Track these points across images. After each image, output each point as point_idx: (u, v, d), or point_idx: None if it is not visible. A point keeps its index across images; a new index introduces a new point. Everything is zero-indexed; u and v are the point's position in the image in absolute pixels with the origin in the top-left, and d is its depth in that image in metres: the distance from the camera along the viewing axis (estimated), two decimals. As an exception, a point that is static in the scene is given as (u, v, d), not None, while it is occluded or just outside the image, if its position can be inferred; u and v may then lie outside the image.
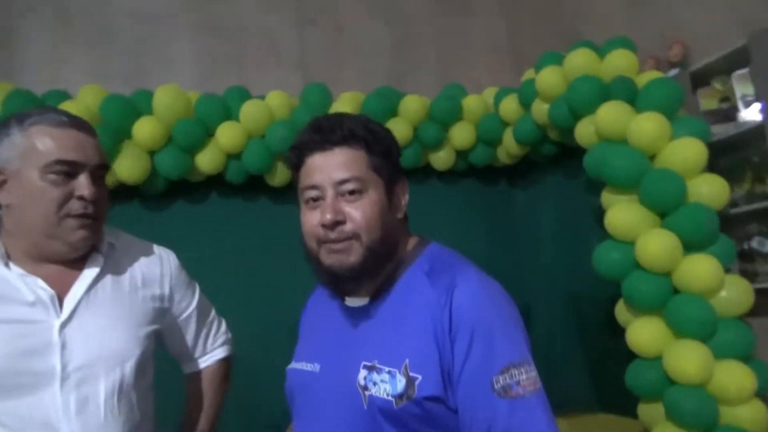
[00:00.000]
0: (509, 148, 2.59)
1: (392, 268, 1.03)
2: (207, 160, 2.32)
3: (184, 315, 1.35)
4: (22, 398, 1.06)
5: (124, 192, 2.33)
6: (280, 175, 2.42)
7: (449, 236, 2.74)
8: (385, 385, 0.93)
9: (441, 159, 2.66)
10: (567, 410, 2.66)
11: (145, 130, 2.20)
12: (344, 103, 2.43)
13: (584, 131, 2.15)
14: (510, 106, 2.50)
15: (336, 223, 0.97)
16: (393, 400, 0.92)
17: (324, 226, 0.97)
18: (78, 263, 1.18)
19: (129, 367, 1.16)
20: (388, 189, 1.01)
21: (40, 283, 1.12)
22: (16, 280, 1.11)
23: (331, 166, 0.98)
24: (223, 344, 1.45)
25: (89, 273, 1.17)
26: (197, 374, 1.41)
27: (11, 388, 1.06)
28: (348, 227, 0.97)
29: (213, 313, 1.45)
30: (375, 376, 0.95)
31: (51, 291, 1.12)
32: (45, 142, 1.10)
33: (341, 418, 0.97)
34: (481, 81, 3.14)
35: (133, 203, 2.40)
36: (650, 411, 1.94)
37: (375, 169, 1.00)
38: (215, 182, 2.46)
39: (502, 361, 0.91)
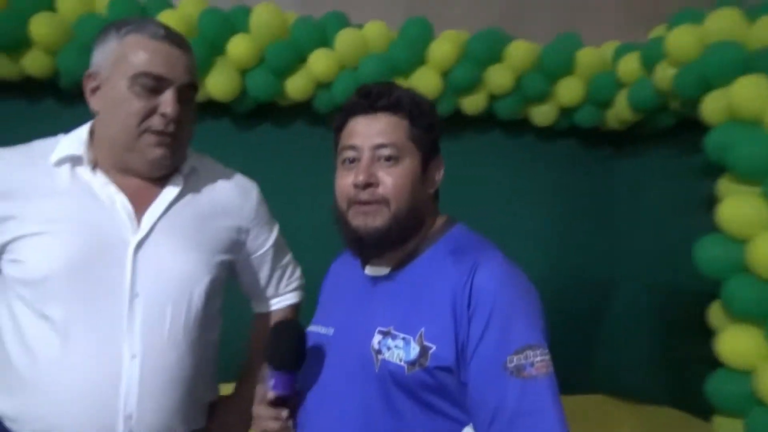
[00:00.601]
0: (621, 112, 2.33)
1: (416, 242, 1.04)
2: (296, 86, 2.26)
3: (260, 252, 1.32)
4: (86, 307, 1.07)
5: (215, 108, 2.33)
6: (368, 111, 2.33)
7: (539, 198, 2.62)
8: (399, 350, 0.95)
9: (542, 114, 2.45)
10: (636, 399, 2.52)
11: (238, 47, 2.16)
12: (445, 42, 2.27)
13: (712, 105, 1.88)
14: (629, 66, 2.23)
15: (368, 185, 0.99)
16: (405, 366, 0.94)
17: (356, 186, 0.99)
18: (160, 181, 1.17)
19: (197, 292, 1.16)
20: (424, 162, 1.03)
21: (121, 198, 1.12)
22: (100, 189, 1.12)
23: (372, 130, 1.01)
24: (295, 289, 1.42)
25: (169, 193, 1.17)
26: (266, 315, 1.39)
27: (77, 293, 1.06)
28: (379, 191, 1.00)
29: (289, 256, 1.42)
30: (389, 342, 0.97)
31: (130, 207, 1.12)
32: (137, 53, 1.09)
33: (351, 380, 0.99)
34: (603, 33, 2.81)
35: (222, 120, 2.40)
36: (728, 426, 1.76)
37: (414, 140, 1.02)
38: (303, 109, 2.40)
39: (517, 342, 0.92)
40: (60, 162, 1.11)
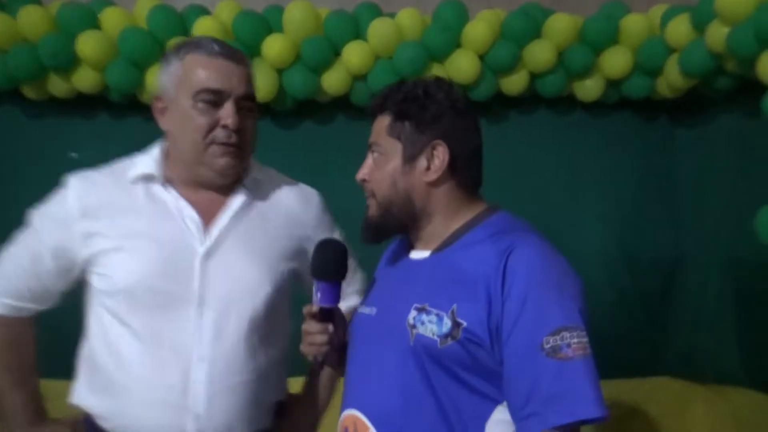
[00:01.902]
0: (673, 79, 2.19)
1: (452, 227, 1.09)
2: (333, 81, 2.26)
3: None
4: (160, 315, 1.16)
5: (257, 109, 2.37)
6: (406, 100, 2.30)
7: (594, 176, 2.52)
8: (432, 325, 0.99)
9: (588, 89, 2.34)
10: (707, 378, 2.38)
11: (273, 47, 2.19)
12: (481, 23, 2.21)
13: (771, 64, 1.74)
14: (679, 29, 2.10)
15: (363, 181, 1.12)
16: (438, 339, 0.98)
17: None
18: (226, 192, 1.25)
19: (260, 300, 1.22)
20: (408, 153, 1.07)
21: (189, 211, 1.20)
22: (171, 203, 1.21)
23: (372, 132, 1.13)
24: (354, 292, 1.44)
25: (234, 203, 1.24)
26: None
27: (151, 304, 1.16)
28: (368, 187, 1.11)
29: (354, 261, 1.44)
30: (424, 317, 1.01)
31: (198, 219, 1.20)
32: (196, 71, 1.17)
33: (388, 353, 1.04)
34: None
35: (265, 120, 2.44)
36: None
37: (395, 135, 1.08)
38: (342, 104, 2.41)
39: (554, 323, 0.92)
40: (136, 180, 1.22)
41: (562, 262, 1.01)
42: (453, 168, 1.07)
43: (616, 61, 2.26)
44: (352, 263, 1.42)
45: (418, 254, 1.12)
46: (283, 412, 1.33)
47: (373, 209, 1.11)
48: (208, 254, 1.19)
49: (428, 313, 1.01)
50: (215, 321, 1.17)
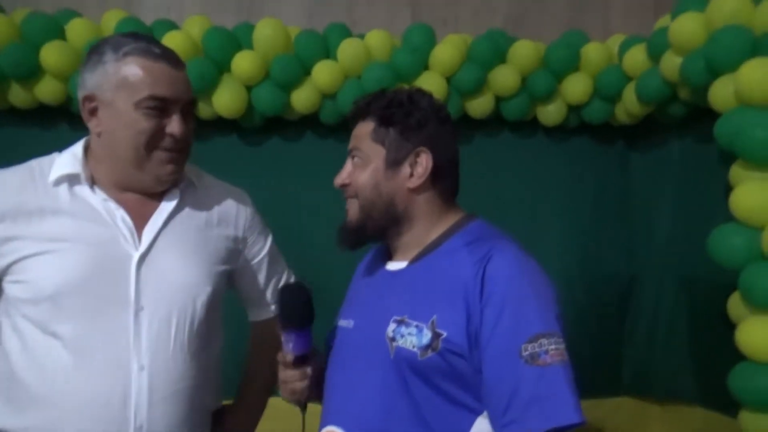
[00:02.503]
0: (630, 105, 2.29)
1: (429, 235, 1.09)
2: (302, 99, 2.28)
3: (256, 260, 1.34)
4: (93, 323, 1.09)
5: (224, 125, 2.37)
6: (374, 119, 2.33)
7: (554, 197, 2.58)
8: (412, 337, 0.98)
9: (550, 113, 2.42)
10: (662, 397, 2.45)
11: (243, 64, 2.19)
12: (448, 47, 2.26)
13: (720, 92, 1.83)
14: (636, 58, 2.20)
15: (343, 185, 1.12)
16: (418, 351, 0.97)
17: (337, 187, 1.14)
18: (157, 195, 1.19)
19: (200, 303, 1.18)
20: (391, 158, 1.08)
21: (121, 213, 1.14)
22: (99, 205, 1.14)
23: (352, 138, 1.13)
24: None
25: (167, 206, 1.19)
26: (264, 323, 1.40)
27: (85, 310, 1.09)
28: (350, 189, 1.11)
29: (283, 262, 1.44)
30: (403, 329, 1.00)
31: (130, 222, 1.14)
32: (138, 75, 1.09)
33: (369, 366, 1.03)
34: (612, 27, 2.79)
35: (231, 136, 2.44)
36: (754, 422, 1.70)
37: (378, 140, 1.08)
38: (311, 122, 2.42)
39: (531, 330, 0.93)
40: (58, 181, 1.13)
41: (538, 269, 1.02)
42: (435, 175, 1.07)
43: (576, 87, 2.35)
44: (283, 266, 1.42)
45: (395, 265, 1.11)
46: (219, 421, 1.29)
47: (353, 212, 1.10)
48: (143, 258, 1.13)
49: (408, 325, 1.00)
50: (155, 327, 1.12)
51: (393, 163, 1.07)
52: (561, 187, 2.58)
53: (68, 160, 1.15)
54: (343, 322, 1.15)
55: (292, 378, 1.10)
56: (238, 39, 2.25)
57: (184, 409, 1.14)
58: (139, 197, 1.18)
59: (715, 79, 1.85)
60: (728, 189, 1.88)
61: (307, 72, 2.28)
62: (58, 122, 2.29)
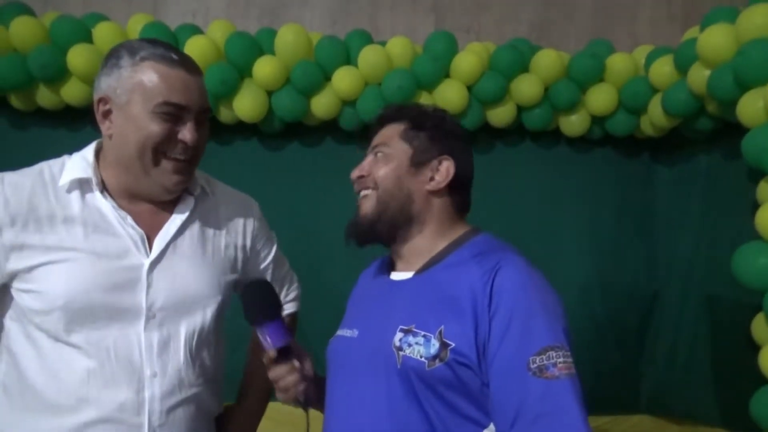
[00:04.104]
0: (656, 118, 2.24)
1: (435, 246, 1.09)
2: (322, 105, 2.28)
3: (262, 266, 1.34)
4: (107, 330, 1.09)
5: (244, 129, 2.39)
6: (394, 126, 2.32)
7: (575, 209, 2.54)
8: (420, 347, 0.98)
9: (573, 124, 2.38)
10: (682, 416, 2.38)
11: (264, 69, 2.21)
12: (469, 55, 2.25)
13: (749, 107, 1.78)
14: (662, 70, 2.15)
15: (360, 177, 1.13)
16: (426, 361, 0.96)
17: (352, 180, 1.14)
18: (169, 204, 1.19)
19: (210, 312, 1.18)
20: (416, 158, 1.10)
21: (130, 221, 1.13)
22: (110, 213, 1.12)
23: (376, 138, 1.16)
24: (293, 299, 1.44)
25: (180, 216, 1.18)
26: None
27: (97, 319, 1.09)
28: (369, 179, 1.11)
29: (287, 266, 1.44)
30: (411, 339, 0.99)
31: (141, 231, 1.13)
32: (154, 80, 1.08)
33: (375, 377, 1.01)
34: (639, 37, 2.74)
35: (251, 141, 2.45)
36: (776, 449, 1.64)
37: (406, 138, 1.11)
38: (330, 128, 2.43)
39: (540, 342, 0.93)
40: (70, 187, 1.11)
41: (545, 282, 1.02)
42: (452, 185, 1.10)
43: (601, 98, 2.31)
44: (287, 270, 1.42)
45: (400, 275, 1.11)
46: (220, 425, 1.29)
47: (369, 205, 1.10)
48: (154, 266, 1.13)
49: (415, 334, 0.99)
50: (165, 334, 1.12)
51: (417, 164, 1.10)
52: (583, 199, 2.53)
53: (79, 164, 1.14)
54: (347, 332, 1.14)
55: (281, 374, 1.09)
56: (260, 44, 2.26)
57: (195, 414, 1.16)
58: (150, 207, 1.17)
59: (743, 94, 1.80)
60: (755, 206, 1.83)
61: (327, 78, 2.28)
62: (83, 124, 2.33)
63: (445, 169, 1.10)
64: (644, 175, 2.54)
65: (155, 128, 1.08)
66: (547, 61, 2.28)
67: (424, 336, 0.98)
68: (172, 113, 1.09)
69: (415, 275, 1.09)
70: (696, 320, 2.30)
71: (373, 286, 1.18)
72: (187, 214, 1.19)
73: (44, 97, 2.20)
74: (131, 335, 1.10)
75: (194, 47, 2.17)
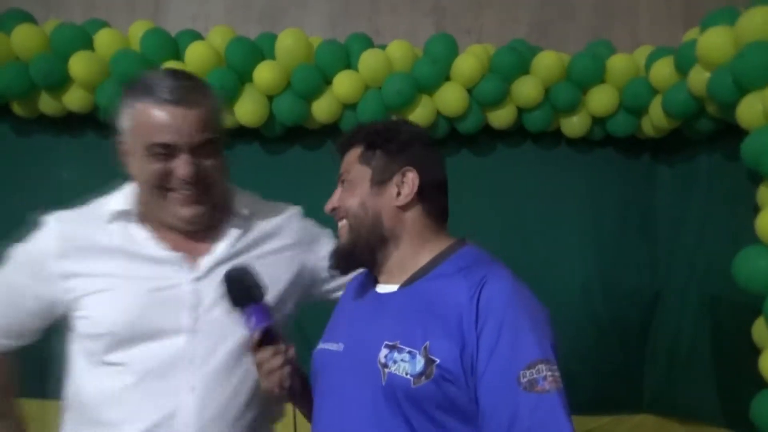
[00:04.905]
0: (656, 119, 2.24)
1: (420, 259, 1.08)
2: (323, 109, 2.29)
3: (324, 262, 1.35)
4: (149, 348, 1.14)
5: (245, 133, 2.40)
6: (395, 130, 2.32)
7: (576, 210, 2.55)
8: (405, 364, 0.97)
9: (574, 125, 2.38)
10: (684, 416, 2.39)
11: (265, 74, 2.21)
12: (469, 57, 2.25)
13: (748, 109, 1.78)
14: (663, 71, 2.15)
15: (332, 210, 1.13)
16: (411, 378, 0.95)
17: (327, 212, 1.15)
18: (210, 229, 1.22)
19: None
20: (377, 178, 1.09)
21: (168, 248, 1.18)
22: (147, 241, 1.18)
23: (342, 166, 1.16)
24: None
25: (223, 243, 1.22)
26: None
27: (141, 340, 1.14)
28: (340, 211, 1.11)
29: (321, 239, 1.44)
30: (396, 355, 0.99)
31: (181, 257, 1.18)
32: (145, 123, 1.11)
33: (360, 393, 1.01)
34: (640, 37, 2.73)
35: (252, 145, 2.46)
36: (777, 451, 1.65)
37: (363, 161, 1.11)
38: (331, 131, 2.43)
39: (529, 356, 0.93)
40: (111, 218, 1.19)
41: (532, 295, 1.03)
42: (422, 195, 1.09)
43: (601, 99, 2.30)
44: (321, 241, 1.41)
45: (385, 288, 1.11)
46: None
47: (344, 234, 1.11)
48: (196, 285, 1.17)
49: (400, 350, 0.99)
50: (205, 350, 1.15)
51: (379, 182, 1.09)
52: (584, 200, 2.52)
53: (122, 197, 1.21)
54: (331, 345, 1.13)
55: (266, 357, 1.08)
56: (260, 49, 2.26)
57: (232, 429, 1.17)
58: (192, 234, 1.20)
59: (743, 96, 1.80)
60: (757, 208, 1.83)
61: (328, 82, 2.29)
62: (85, 130, 2.35)
63: (410, 181, 1.08)
64: (645, 175, 2.53)
65: (150, 168, 1.12)
66: (548, 62, 2.28)
67: (409, 352, 0.98)
68: (162, 152, 1.11)
69: (400, 288, 1.08)
70: (697, 320, 2.30)
71: (357, 299, 1.18)
72: (230, 242, 1.22)
73: (46, 104, 2.21)
74: (172, 349, 1.14)
75: (194, 53, 2.18)
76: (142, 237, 1.18)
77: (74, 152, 2.35)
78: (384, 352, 1.00)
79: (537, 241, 2.49)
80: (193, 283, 1.17)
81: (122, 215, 1.19)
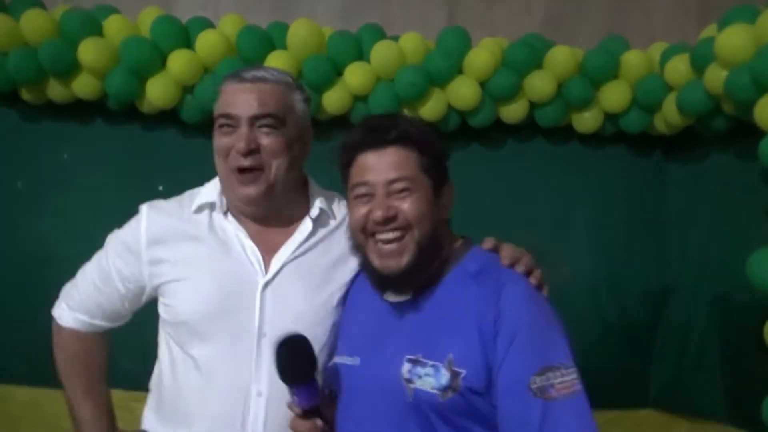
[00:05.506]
0: (670, 116, 2.22)
1: (438, 265, 1.04)
2: (334, 100, 2.26)
3: None
4: (222, 347, 1.14)
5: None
6: (406, 122, 2.30)
7: (587, 206, 2.54)
8: (430, 378, 0.95)
9: (586, 120, 2.36)
10: (690, 412, 2.40)
11: (276, 64, 2.17)
12: (482, 51, 2.22)
13: (767, 109, 1.76)
14: (678, 68, 2.12)
15: (387, 220, 0.99)
16: (438, 393, 0.94)
17: (376, 222, 1.00)
18: (290, 227, 1.22)
19: (320, 333, 1.18)
20: (435, 190, 1.04)
21: (250, 243, 1.18)
22: (231, 233, 1.20)
23: (383, 165, 1.01)
24: None
25: (297, 238, 1.21)
26: None
27: (215, 335, 1.15)
28: (401, 220, 1.00)
29: None
30: (419, 370, 0.96)
31: (258, 252, 1.18)
32: (220, 99, 1.19)
33: (386, 411, 1.00)
34: (654, 33, 2.70)
35: (262, 135, 2.44)
36: (787, 453, 1.64)
37: (425, 170, 1.03)
38: (341, 123, 2.41)
39: (540, 363, 0.93)
40: (199, 209, 1.23)
41: (546, 300, 1.03)
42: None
43: (614, 95, 2.28)
44: None
45: (396, 297, 1.06)
46: None
47: (409, 253, 1.00)
48: (268, 287, 1.17)
49: (423, 365, 0.97)
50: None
51: (437, 194, 1.05)
52: (594, 195, 2.52)
53: (211, 188, 1.24)
54: (347, 359, 1.10)
55: (301, 427, 1.06)
56: (271, 39, 2.24)
57: None
58: (272, 229, 1.21)
59: (761, 96, 1.78)
60: (768, 209, 1.82)
61: (339, 73, 2.26)
62: (94, 117, 2.33)
63: (450, 193, 1.07)
64: (656, 172, 2.52)
65: (218, 142, 1.17)
66: (561, 57, 2.26)
67: (432, 366, 0.96)
68: (227, 124, 1.15)
69: (413, 296, 1.04)
70: (707, 319, 2.30)
71: (367, 307, 1.13)
72: (304, 236, 1.21)
73: (55, 90, 2.19)
74: (242, 353, 1.14)
75: (205, 41, 2.15)
76: (230, 227, 1.20)
77: (83, 140, 2.33)
78: (407, 366, 0.98)
79: (546, 236, 2.48)
80: (263, 286, 1.17)
81: (207, 206, 1.22)
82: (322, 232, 1.24)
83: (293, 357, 1.03)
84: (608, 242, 2.53)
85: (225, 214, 1.21)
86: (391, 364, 1.00)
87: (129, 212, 1.31)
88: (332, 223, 1.26)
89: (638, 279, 2.52)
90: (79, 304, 1.30)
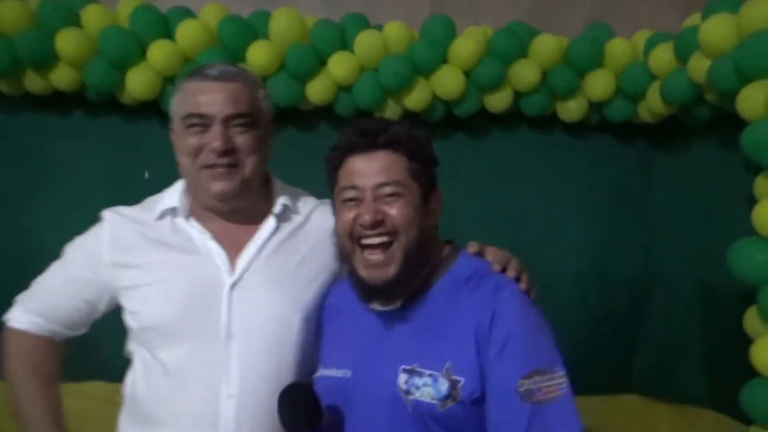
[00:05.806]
0: (654, 105, 2.22)
1: (426, 273, 1.03)
2: (318, 90, 2.24)
3: None
4: (190, 349, 1.13)
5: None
6: (390, 111, 2.29)
7: (572, 195, 2.55)
8: (428, 388, 0.94)
9: (571, 109, 2.36)
10: (672, 398, 2.43)
11: (258, 54, 2.16)
12: (467, 40, 2.21)
13: (749, 99, 1.76)
14: (662, 57, 2.12)
15: (375, 224, 0.98)
16: (437, 403, 0.93)
17: (363, 226, 0.99)
18: (251, 221, 1.21)
19: (291, 332, 1.17)
20: (424, 196, 1.03)
21: (214, 244, 1.17)
22: (195, 236, 1.19)
23: (372, 169, 1.00)
24: None
25: (261, 236, 1.20)
26: None
27: (183, 338, 1.14)
28: (388, 225, 0.99)
29: None
30: (417, 380, 0.95)
31: (224, 253, 1.17)
32: (184, 97, 1.17)
33: (385, 424, 0.98)
34: (640, 22, 2.69)
35: (246, 126, 2.42)
36: (765, 439, 1.68)
37: (414, 176, 1.02)
38: (325, 113, 2.39)
39: (528, 366, 0.93)
40: (161, 216, 1.22)
41: (534, 303, 1.03)
42: None
43: (599, 83, 2.28)
44: None
45: (384, 305, 1.03)
46: None
47: (396, 263, 0.98)
48: (234, 287, 1.16)
49: (420, 374, 0.96)
50: (243, 356, 1.13)
51: (425, 201, 1.04)
52: (579, 185, 2.53)
53: (172, 193, 1.23)
54: (335, 372, 1.07)
55: None
56: (253, 28, 2.21)
57: None
58: (234, 225, 1.21)
59: (744, 86, 1.78)
60: (752, 197, 1.83)
61: (322, 63, 2.24)
62: (73, 109, 2.29)
63: (439, 200, 1.06)
64: (641, 161, 2.53)
65: (187, 141, 1.15)
66: (546, 46, 2.25)
67: (430, 375, 0.95)
68: (199, 123, 1.14)
69: (403, 305, 1.02)
70: (689, 307, 2.33)
71: (352, 316, 1.10)
72: (268, 233, 1.20)
73: (32, 81, 2.15)
74: (211, 355, 1.13)
75: (186, 31, 2.12)
76: (193, 230, 1.19)
77: (61, 131, 2.29)
78: (403, 377, 0.97)
79: (532, 225, 2.50)
80: (230, 286, 1.16)
81: (169, 212, 1.22)
82: (287, 229, 1.23)
83: (297, 405, 1.00)
84: (593, 230, 2.54)
85: (187, 218, 1.21)
86: (386, 375, 0.98)
87: (112, 205, 1.29)
88: (297, 218, 1.25)
89: (623, 266, 2.54)
90: (35, 308, 1.27)
